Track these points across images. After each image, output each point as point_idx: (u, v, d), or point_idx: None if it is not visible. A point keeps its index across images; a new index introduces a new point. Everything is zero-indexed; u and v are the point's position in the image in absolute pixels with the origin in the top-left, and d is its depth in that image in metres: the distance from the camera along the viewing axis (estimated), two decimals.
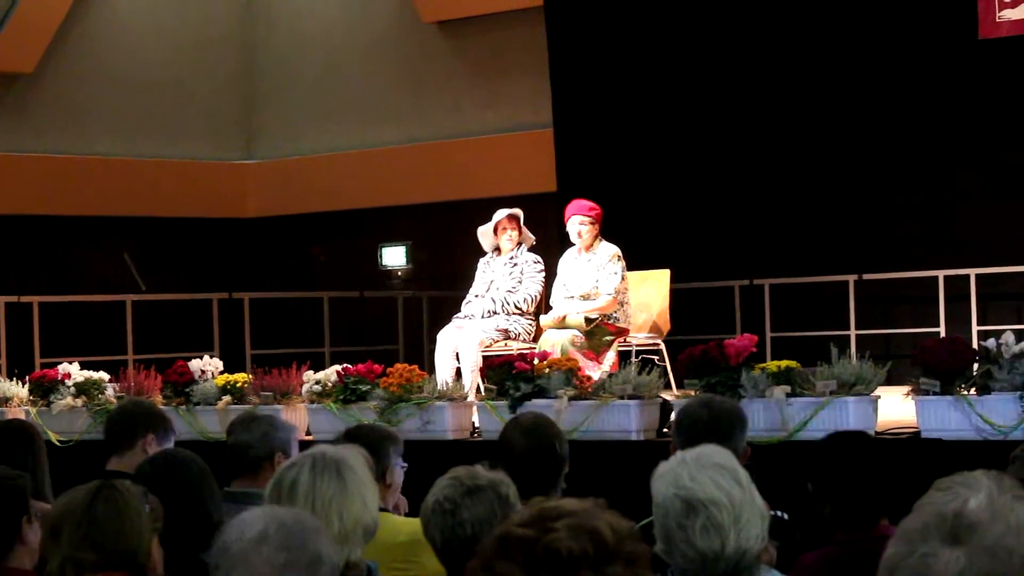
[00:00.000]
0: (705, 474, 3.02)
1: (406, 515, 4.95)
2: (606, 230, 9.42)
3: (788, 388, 6.90)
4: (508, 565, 1.89)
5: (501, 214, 9.57)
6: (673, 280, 9.93)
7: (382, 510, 4.62)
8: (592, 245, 9.26)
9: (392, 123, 16.34)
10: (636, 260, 9.82)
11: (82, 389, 9.35)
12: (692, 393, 7.08)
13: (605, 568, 1.89)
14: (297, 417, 8.52)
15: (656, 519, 3.06)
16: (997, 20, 11.38)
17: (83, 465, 5.59)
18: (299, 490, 3.59)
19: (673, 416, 5.06)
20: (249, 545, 2.47)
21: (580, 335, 8.94)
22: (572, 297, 9.22)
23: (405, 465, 5.03)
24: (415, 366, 8.29)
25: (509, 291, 9.43)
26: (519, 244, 9.55)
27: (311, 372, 8.56)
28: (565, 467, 4.69)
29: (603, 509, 1.97)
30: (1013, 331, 6.73)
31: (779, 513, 4.41)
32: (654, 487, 3.08)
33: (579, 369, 7.84)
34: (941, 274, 11.77)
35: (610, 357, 8.98)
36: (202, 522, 4.01)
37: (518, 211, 9.61)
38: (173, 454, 4.27)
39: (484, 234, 9.63)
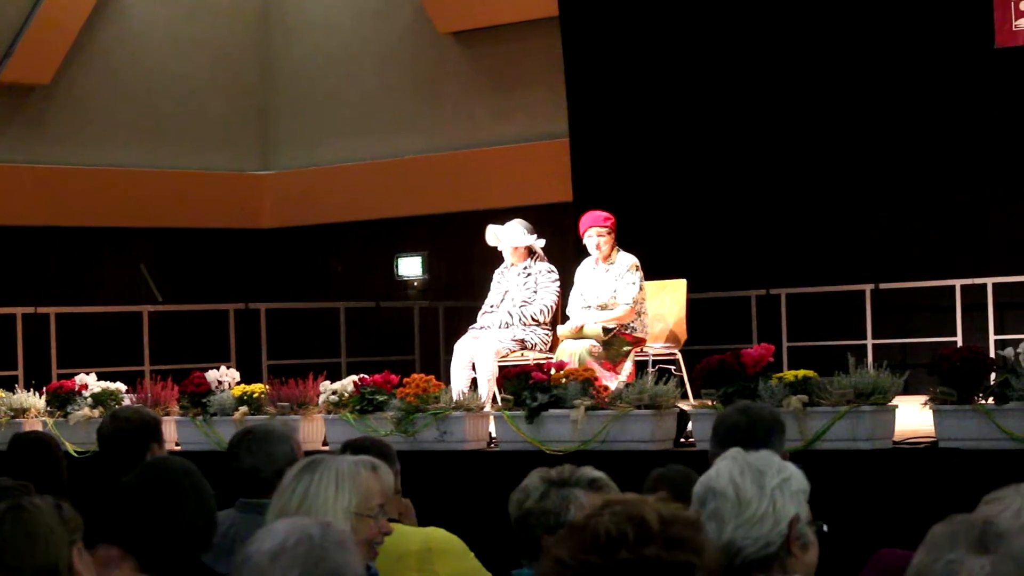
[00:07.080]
0: (733, 469, 3.09)
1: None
2: (622, 240, 9.42)
3: (805, 398, 6.89)
4: (562, 548, 2.06)
5: (491, 236, 9.52)
6: (690, 290, 9.91)
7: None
8: (610, 255, 9.27)
9: (408, 133, 16.35)
10: (653, 270, 9.81)
11: (99, 400, 9.36)
12: (709, 403, 7.08)
13: (642, 549, 2.00)
14: (314, 428, 8.53)
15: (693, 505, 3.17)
16: (1014, 29, 11.36)
17: (100, 476, 5.58)
18: (291, 500, 3.64)
19: (713, 424, 5.07)
20: (265, 558, 2.49)
21: (598, 345, 8.93)
22: (589, 307, 9.22)
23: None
24: (431, 376, 8.30)
25: (524, 303, 9.41)
26: (530, 253, 9.51)
27: (328, 382, 8.56)
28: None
29: (664, 501, 2.10)
30: None
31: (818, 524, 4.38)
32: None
33: (596, 379, 7.83)
34: (958, 283, 11.73)
35: (627, 367, 8.97)
36: (199, 525, 4.00)
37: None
38: (163, 461, 4.25)
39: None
